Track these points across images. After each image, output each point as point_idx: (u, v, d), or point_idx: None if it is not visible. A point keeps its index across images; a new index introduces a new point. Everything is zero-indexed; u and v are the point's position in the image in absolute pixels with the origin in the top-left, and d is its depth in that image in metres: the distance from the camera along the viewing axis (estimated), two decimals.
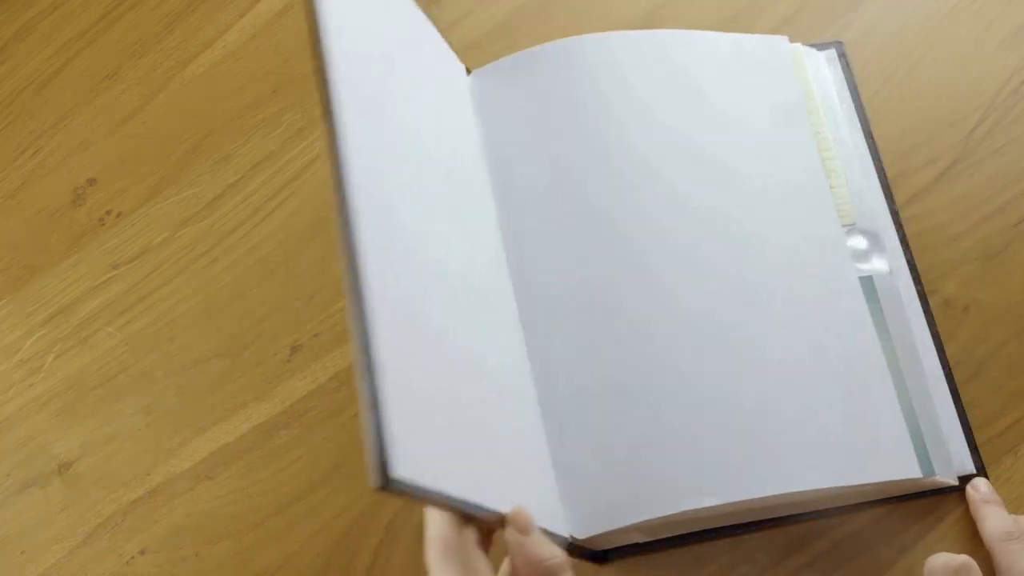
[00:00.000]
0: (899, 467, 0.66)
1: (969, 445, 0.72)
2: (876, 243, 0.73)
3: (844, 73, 0.80)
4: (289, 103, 0.80)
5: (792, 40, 0.82)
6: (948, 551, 0.67)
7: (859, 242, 0.72)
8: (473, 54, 0.82)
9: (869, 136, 0.79)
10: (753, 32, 0.82)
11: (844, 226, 0.72)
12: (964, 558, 0.65)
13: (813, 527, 0.71)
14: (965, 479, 0.71)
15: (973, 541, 0.70)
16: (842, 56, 0.81)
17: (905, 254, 0.76)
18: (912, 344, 0.71)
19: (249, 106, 0.80)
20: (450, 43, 0.82)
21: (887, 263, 0.73)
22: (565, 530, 0.64)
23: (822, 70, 0.79)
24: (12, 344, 0.75)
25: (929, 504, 0.71)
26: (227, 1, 0.83)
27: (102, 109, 0.80)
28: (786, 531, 0.71)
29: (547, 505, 0.64)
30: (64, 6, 0.82)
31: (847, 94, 0.80)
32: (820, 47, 0.81)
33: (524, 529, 0.56)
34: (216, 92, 0.80)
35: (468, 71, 0.76)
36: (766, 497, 0.63)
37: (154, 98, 0.81)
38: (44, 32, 0.82)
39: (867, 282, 0.71)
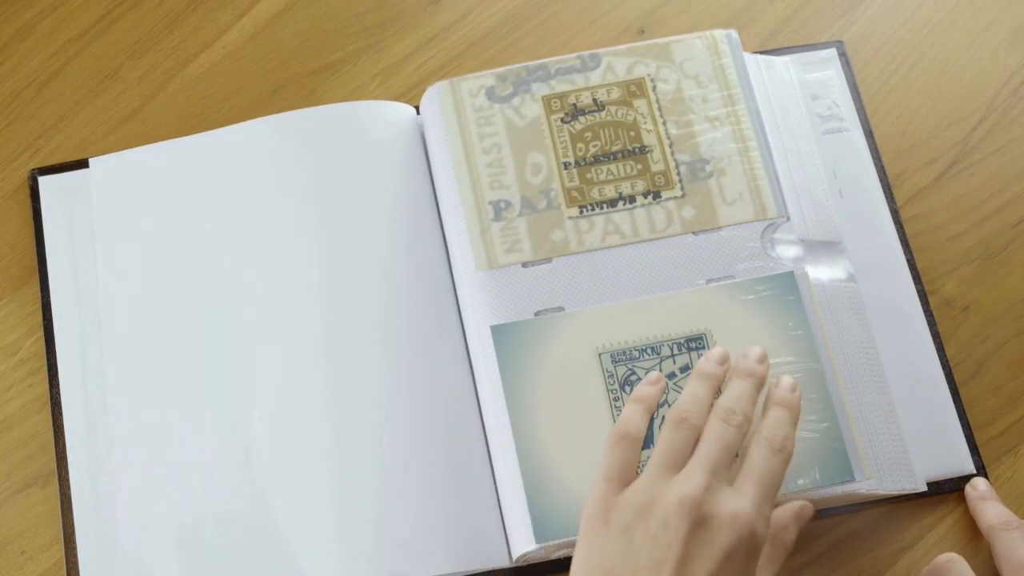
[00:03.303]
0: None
1: (969, 445, 0.72)
2: (817, 251, 0.72)
3: (844, 73, 0.80)
4: (289, 103, 0.80)
5: (792, 40, 0.82)
6: (948, 551, 0.68)
7: (778, 238, 0.71)
8: (473, 54, 0.82)
9: (869, 136, 0.79)
10: (752, 32, 0.82)
11: (759, 221, 0.72)
12: (949, 554, 0.66)
13: (813, 527, 0.70)
14: (964, 479, 0.71)
15: (973, 541, 0.70)
16: (842, 56, 0.81)
17: (905, 254, 0.76)
18: (858, 352, 0.70)
19: (249, 106, 0.80)
20: (450, 43, 0.82)
21: (833, 271, 0.72)
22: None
23: (779, 72, 0.78)
24: (12, 344, 0.75)
25: (929, 504, 0.71)
26: (227, 1, 0.83)
27: (102, 109, 0.80)
28: None
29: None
30: (64, 6, 0.82)
31: (847, 93, 0.80)
32: (820, 47, 0.81)
33: None
34: (216, 92, 0.80)
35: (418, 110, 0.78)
36: None
37: (154, 98, 0.80)
38: (44, 32, 0.82)
39: (787, 277, 0.70)
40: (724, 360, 0.65)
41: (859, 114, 0.79)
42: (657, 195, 0.72)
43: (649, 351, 0.69)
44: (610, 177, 0.73)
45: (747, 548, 0.57)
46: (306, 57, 0.82)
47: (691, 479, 0.58)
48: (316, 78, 0.81)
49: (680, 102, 0.74)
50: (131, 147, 0.78)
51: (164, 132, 0.79)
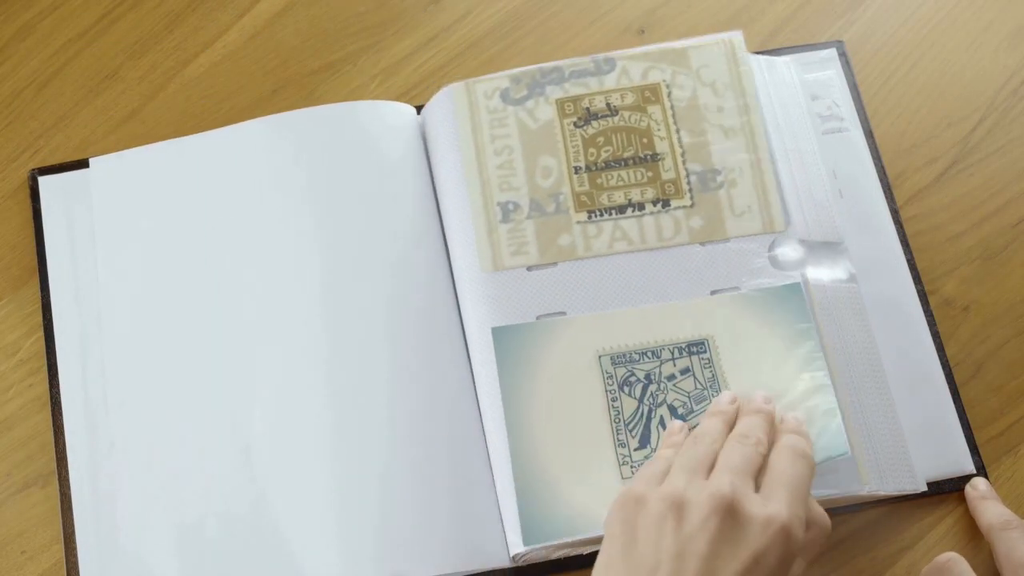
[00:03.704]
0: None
1: (969, 445, 0.72)
2: (818, 251, 0.72)
3: (844, 73, 0.80)
4: (289, 103, 0.80)
5: (792, 40, 0.82)
6: (948, 551, 0.68)
7: (785, 251, 0.71)
8: (473, 54, 0.82)
9: (869, 136, 0.79)
10: (753, 32, 0.82)
11: (767, 234, 0.72)
12: (949, 554, 0.66)
13: None
14: (964, 479, 0.71)
15: (973, 541, 0.70)
16: (842, 56, 0.81)
17: (905, 254, 0.76)
18: (859, 353, 0.70)
19: (249, 106, 0.80)
20: (450, 43, 0.82)
21: (834, 272, 0.72)
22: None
23: (780, 72, 0.78)
24: (12, 344, 0.75)
25: (929, 504, 0.71)
26: (227, 1, 0.83)
27: (102, 109, 0.80)
28: None
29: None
30: (64, 6, 0.82)
31: (847, 93, 0.80)
32: (820, 47, 0.81)
33: None
34: (216, 92, 0.80)
35: (418, 110, 0.78)
36: None
37: (154, 98, 0.80)
38: (44, 32, 0.82)
39: (793, 288, 0.70)
40: (734, 400, 0.65)
41: (859, 114, 0.79)
42: (667, 203, 0.72)
43: (650, 354, 0.69)
44: (620, 183, 0.73)
45: (781, 553, 0.57)
46: (306, 57, 0.82)
47: (721, 478, 0.58)
48: (316, 78, 0.81)
49: (695, 110, 0.74)
50: (131, 147, 0.78)
51: (164, 132, 0.79)
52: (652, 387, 0.68)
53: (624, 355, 0.69)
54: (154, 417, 0.71)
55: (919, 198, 0.78)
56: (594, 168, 0.73)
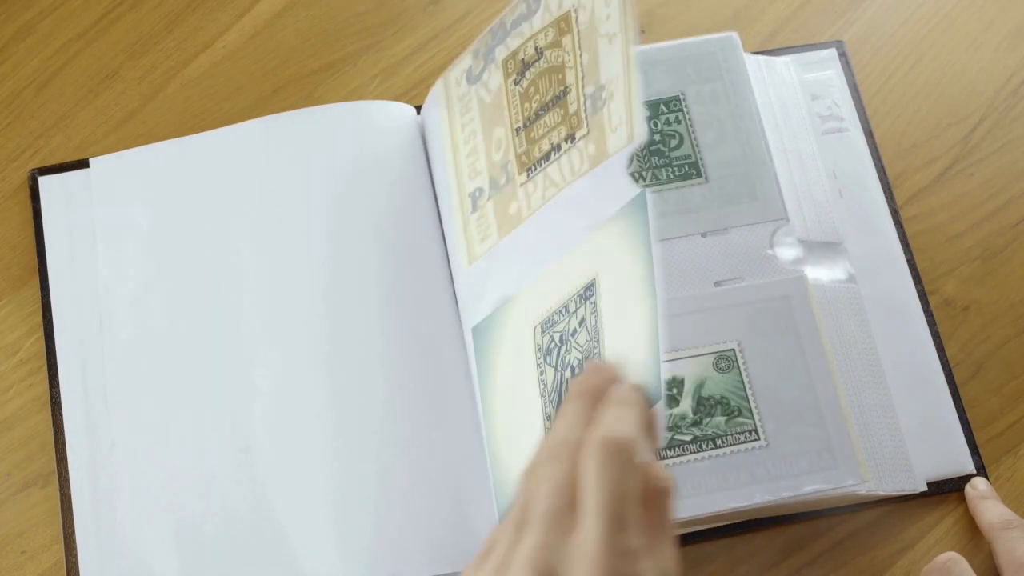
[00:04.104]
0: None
1: (969, 445, 0.72)
2: (817, 251, 0.72)
3: (844, 73, 0.80)
4: (289, 103, 0.80)
5: (792, 40, 0.82)
6: (948, 551, 0.68)
7: (783, 251, 0.71)
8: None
9: (869, 136, 0.79)
10: (752, 32, 0.82)
11: (630, 145, 0.65)
12: (949, 553, 0.66)
13: (813, 527, 0.71)
14: (964, 479, 0.71)
15: (973, 541, 0.70)
16: (842, 56, 0.81)
17: (905, 254, 0.76)
18: (858, 353, 0.70)
19: (249, 106, 0.80)
20: (450, 43, 0.82)
21: (833, 272, 0.72)
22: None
23: (780, 72, 0.78)
24: (12, 344, 0.75)
25: (929, 504, 0.71)
26: (227, 1, 0.83)
27: (102, 109, 0.80)
28: (786, 531, 0.71)
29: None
30: (64, 6, 0.82)
31: (847, 93, 0.80)
32: (820, 47, 0.81)
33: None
34: (216, 92, 0.80)
35: (418, 110, 0.78)
36: None
37: (154, 98, 0.80)
38: (44, 32, 0.82)
39: (797, 283, 0.69)
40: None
41: (859, 114, 0.79)
42: (573, 137, 0.68)
43: (564, 312, 0.64)
44: (544, 130, 0.69)
45: None
46: (306, 57, 0.82)
47: (525, 546, 0.48)
48: (316, 78, 0.81)
49: (591, 26, 0.68)
50: (131, 147, 0.78)
51: (164, 132, 0.79)
52: (562, 349, 0.64)
53: (549, 320, 0.65)
54: (154, 417, 0.71)
55: (919, 198, 0.78)
56: (528, 124, 0.70)
